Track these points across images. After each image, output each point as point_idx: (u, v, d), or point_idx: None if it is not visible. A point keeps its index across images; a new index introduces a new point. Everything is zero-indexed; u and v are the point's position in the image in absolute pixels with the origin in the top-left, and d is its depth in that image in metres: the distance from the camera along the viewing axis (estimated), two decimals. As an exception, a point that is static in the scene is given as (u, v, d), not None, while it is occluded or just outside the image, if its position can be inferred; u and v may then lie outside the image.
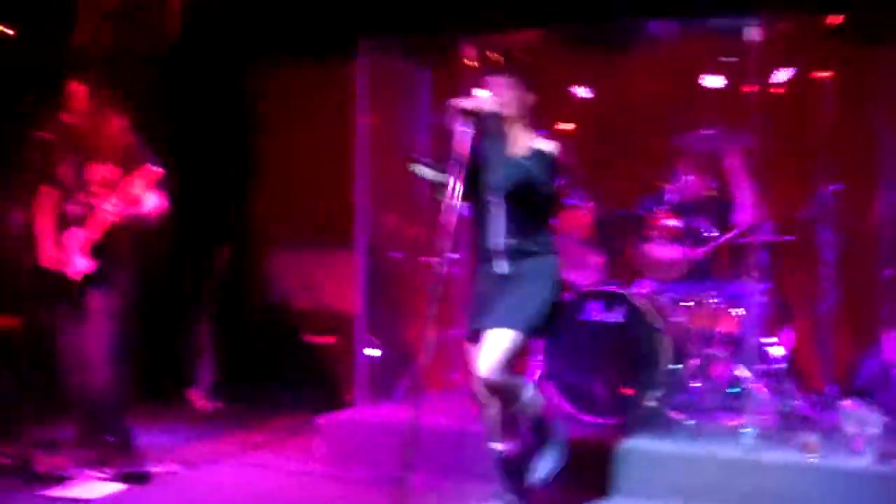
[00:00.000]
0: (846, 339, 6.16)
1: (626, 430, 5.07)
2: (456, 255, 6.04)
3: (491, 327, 4.04)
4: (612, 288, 5.46)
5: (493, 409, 4.25)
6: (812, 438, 4.61)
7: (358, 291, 5.98)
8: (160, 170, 4.84)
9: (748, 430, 4.86)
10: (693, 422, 5.09)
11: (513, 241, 4.14)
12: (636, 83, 7.06)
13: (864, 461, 4.51)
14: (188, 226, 6.07)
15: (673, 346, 5.27)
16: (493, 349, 3.99)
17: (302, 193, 7.40)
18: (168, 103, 6.81)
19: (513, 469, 4.29)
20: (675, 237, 5.60)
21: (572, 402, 5.31)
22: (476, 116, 4.10)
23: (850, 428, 4.66)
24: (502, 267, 4.13)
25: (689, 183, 5.95)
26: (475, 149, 4.11)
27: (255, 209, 7.61)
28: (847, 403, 4.91)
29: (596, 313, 5.39)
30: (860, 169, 5.98)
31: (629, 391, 5.20)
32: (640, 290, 5.69)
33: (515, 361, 4.07)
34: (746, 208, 5.66)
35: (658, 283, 5.78)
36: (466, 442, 5.01)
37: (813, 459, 4.57)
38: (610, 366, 5.28)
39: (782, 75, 6.39)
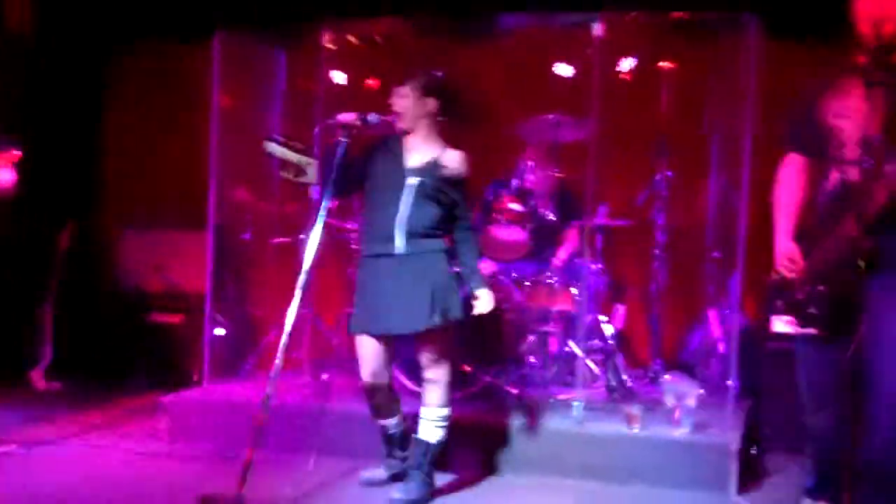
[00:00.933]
0: (674, 316, 6.50)
1: (464, 405, 5.24)
2: (303, 236, 6.19)
3: (410, 328, 4.25)
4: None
5: (381, 395, 4.46)
6: (635, 410, 4.87)
7: (207, 271, 6.00)
8: (16, 151, 4.80)
9: (578, 403, 5.09)
10: (526, 395, 5.28)
11: (409, 226, 4.27)
12: (488, 72, 7.26)
13: (680, 431, 4.79)
14: (34, 206, 6.00)
15: (510, 325, 5.47)
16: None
17: (157, 175, 7.38)
18: (25, 86, 6.71)
19: (397, 441, 4.58)
20: (518, 220, 5.77)
21: (413, 379, 5.45)
22: (355, 129, 4.26)
23: (670, 400, 4.93)
24: (395, 248, 4.27)
25: (533, 168, 6.16)
26: (355, 159, 4.32)
27: (108, 190, 7.54)
28: (668, 377, 5.19)
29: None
30: (692, 157, 6.27)
31: (468, 367, 5.37)
32: (483, 271, 5.87)
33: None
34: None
35: (500, 264, 5.98)
36: (312, 419, 5.14)
37: (635, 430, 4.83)
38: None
39: (625, 66, 6.67)
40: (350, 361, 5.58)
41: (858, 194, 3.24)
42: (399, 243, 4.26)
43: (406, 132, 4.42)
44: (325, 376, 5.71)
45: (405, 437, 4.57)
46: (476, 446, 4.95)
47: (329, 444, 5.03)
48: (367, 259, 4.41)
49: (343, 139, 4.25)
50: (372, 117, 4.33)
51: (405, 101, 4.37)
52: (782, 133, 3.79)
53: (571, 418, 5.04)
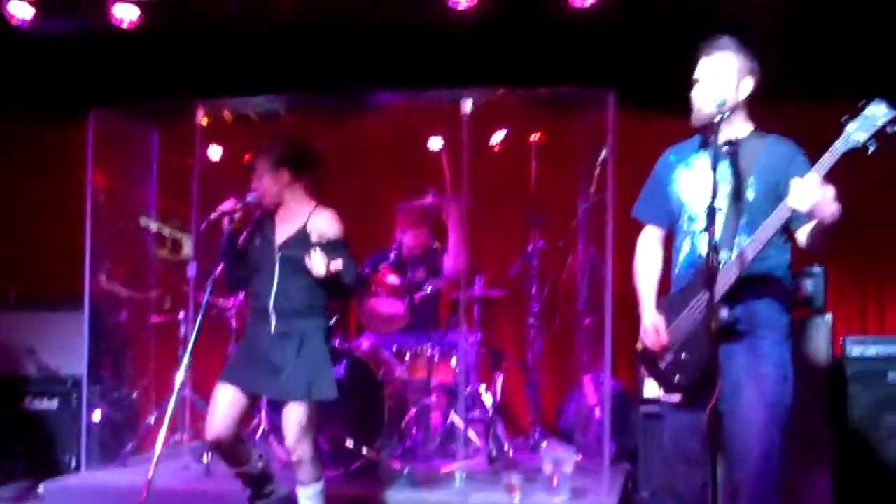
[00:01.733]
0: (552, 384, 6.68)
1: (348, 480, 5.27)
2: (183, 314, 6.17)
3: (279, 396, 4.30)
4: (335, 344, 5.67)
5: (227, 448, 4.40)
6: (514, 480, 4.97)
7: (83, 352, 5.91)
8: None
9: (460, 474, 5.17)
10: (409, 469, 5.34)
11: (283, 304, 4.30)
12: (364, 147, 7.42)
13: (559, 498, 4.92)
14: None
15: (392, 398, 5.54)
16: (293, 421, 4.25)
17: (31, 255, 7.24)
18: None
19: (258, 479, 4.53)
20: (396, 293, 5.87)
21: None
22: (238, 213, 4.31)
23: (548, 468, 5.06)
24: (271, 327, 4.30)
25: (409, 240, 6.31)
26: (238, 240, 4.36)
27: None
28: (546, 444, 5.33)
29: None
30: (562, 227, 6.48)
31: (351, 443, 5.40)
32: (362, 345, 5.95)
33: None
34: (456, 261, 6.04)
35: (379, 337, 6.07)
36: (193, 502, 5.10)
37: (516, 500, 4.93)
38: (332, 419, 5.43)
39: (495, 139, 6.91)
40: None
41: (710, 267, 3.30)
42: (273, 323, 4.30)
43: (275, 208, 4.46)
44: (206, 458, 5.65)
45: (265, 473, 4.53)
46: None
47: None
48: (250, 325, 4.44)
49: (228, 228, 4.30)
50: (251, 197, 4.38)
51: (260, 180, 4.42)
52: (637, 206, 3.95)
53: (454, 489, 5.12)
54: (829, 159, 3.21)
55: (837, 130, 3.22)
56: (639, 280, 3.85)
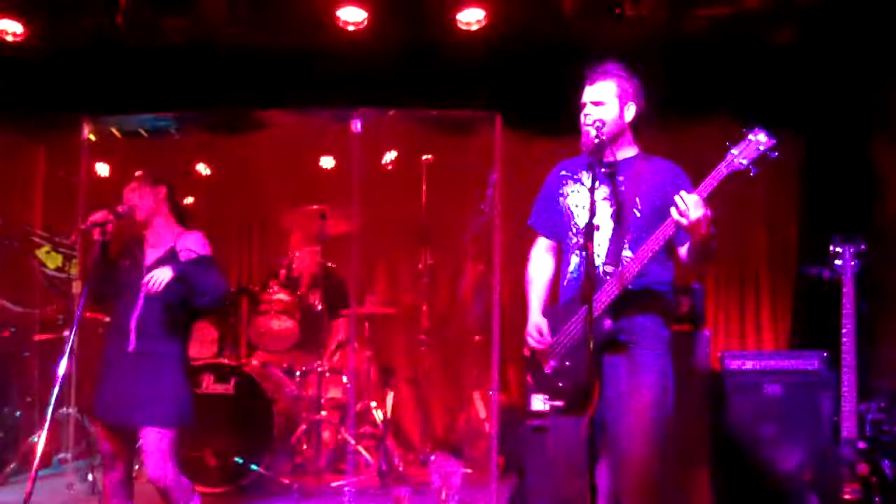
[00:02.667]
0: (442, 399, 6.77)
1: (237, 496, 5.25)
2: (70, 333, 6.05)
3: (141, 424, 4.15)
4: (225, 360, 5.66)
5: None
6: (402, 493, 5.02)
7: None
8: None
9: (349, 489, 5.21)
10: (299, 485, 5.34)
11: (146, 323, 4.22)
12: (257, 163, 7.41)
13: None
14: None
15: (282, 415, 5.54)
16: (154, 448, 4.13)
17: None
18: None
19: None
20: (286, 310, 5.88)
21: (186, 473, 5.39)
22: (110, 225, 4.17)
23: (437, 480, 5.13)
24: (130, 345, 4.21)
25: (300, 258, 6.33)
26: (108, 252, 4.24)
27: None
28: (435, 458, 5.41)
29: (209, 385, 5.54)
30: (453, 244, 6.61)
31: (240, 459, 5.38)
32: (253, 362, 5.95)
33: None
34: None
35: (270, 355, 6.07)
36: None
37: (404, 512, 4.99)
38: (221, 436, 5.42)
39: (387, 158, 7.01)
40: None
41: (589, 281, 3.45)
42: (133, 341, 4.22)
43: (145, 226, 4.41)
44: (90, 476, 5.55)
45: None
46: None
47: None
48: (108, 343, 4.35)
49: (100, 238, 4.18)
50: (122, 209, 4.30)
51: (134, 193, 4.38)
52: (532, 216, 4.05)
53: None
54: (712, 180, 3.42)
55: (716, 153, 3.44)
56: (529, 286, 3.96)
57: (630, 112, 3.76)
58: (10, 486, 5.78)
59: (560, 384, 3.75)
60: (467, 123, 6.39)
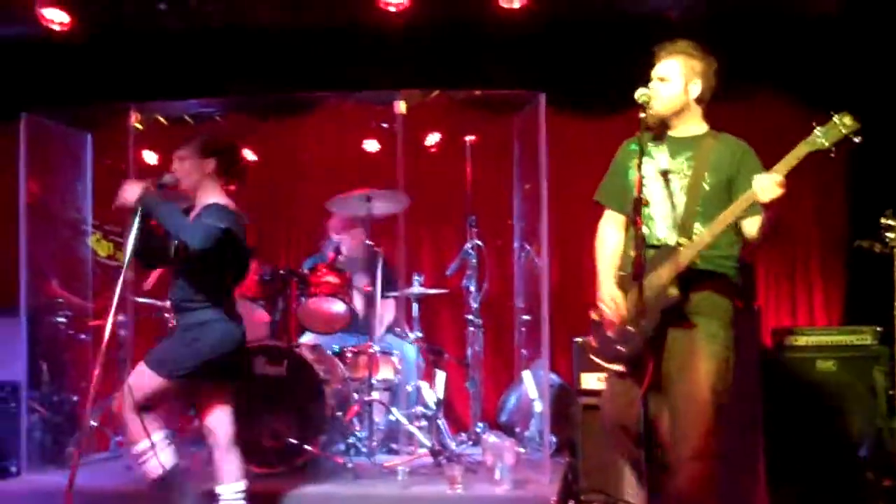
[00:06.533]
0: (493, 379, 6.79)
1: (293, 477, 5.31)
2: (123, 318, 6.14)
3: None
4: (277, 343, 5.71)
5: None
6: (457, 472, 5.05)
7: (22, 358, 5.85)
8: None
9: (403, 468, 5.24)
10: (353, 465, 5.39)
11: (177, 296, 4.28)
12: (301, 147, 7.47)
13: (501, 489, 5.01)
14: None
15: (335, 395, 5.59)
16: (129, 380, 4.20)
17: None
18: None
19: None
20: (336, 292, 5.92)
21: (242, 455, 5.47)
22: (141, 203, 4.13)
23: (489, 459, 5.15)
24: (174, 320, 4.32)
25: (347, 240, 6.38)
26: (146, 225, 4.18)
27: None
28: (488, 438, 5.42)
29: (261, 367, 5.60)
30: (499, 224, 6.62)
31: (295, 440, 5.43)
32: (304, 344, 6.00)
33: (146, 400, 4.19)
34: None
35: (321, 336, 6.12)
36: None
37: (458, 491, 5.01)
38: (276, 417, 5.47)
39: (430, 140, 7.02)
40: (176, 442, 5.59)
41: (637, 255, 3.55)
42: (175, 314, 4.33)
43: (191, 195, 4.36)
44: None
45: None
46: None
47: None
48: None
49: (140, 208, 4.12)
50: (167, 178, 4.28)
51: (184, 163, 4.31)
52: (599, 191, 4.13)
53: (397, 483, 5.18)
54: (793, 158, 3.51)
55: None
56: (598, 259, 4.05)
57: (695, 89, 3.86)
58: (68, 469, 5.88)
59: (622, 349, 3.80)
60: (511, 103, 6.38)
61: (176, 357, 4.21)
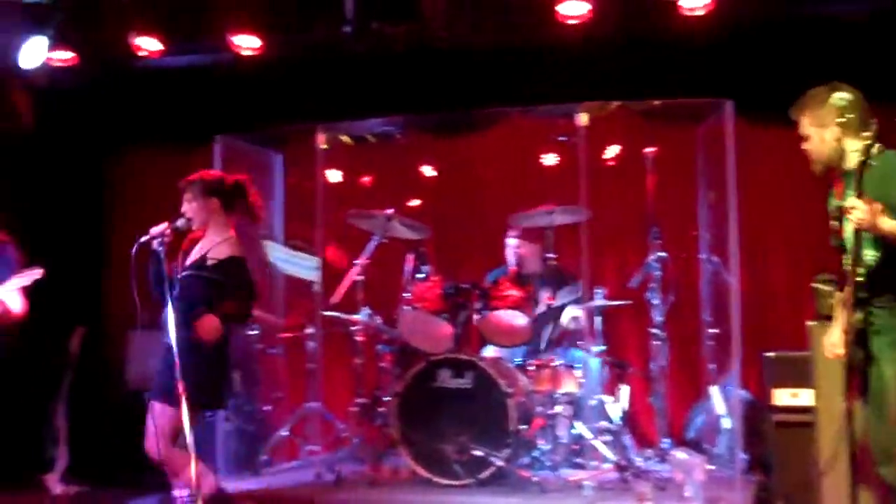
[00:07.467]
0: (678, 394, 6.63)
1: (477, 490, 5.33)
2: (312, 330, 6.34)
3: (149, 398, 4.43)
4: (461, 355, 5.74)
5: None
6: (646, 488, 4.96)
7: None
8: (37, 270, 4.93)
9: (588, 483, 5.18)
10: (538, 479, 5.36)
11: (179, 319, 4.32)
12: (480, 163, 7.52)
13: (691, 506, 4.89)
14: (43, 311, 6.11)
15: (519, 409, 5.58)
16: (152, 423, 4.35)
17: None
18: (25, 191, 6.87)
19: None
20: (518, 305, 5.92)
21: (426, 467, 5.54)
22: (167, 238, 4.41)
23: (678, 475, 5.03)
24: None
25: (527, 254, 6.37)
26: (161, 265, 4.41)
27: (113, 293, 7.59)
28: (677, 454, 5.30)
29: (446, 380, 5.65)
30: (682, 236, 6.48)
31: (479, 453, 5.45)
32: (487, 357, 6.02)
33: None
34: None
35: (503, 349, 6.12)
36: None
37: (647, 507, 4.92)
38: (461, 429, 5.52)
39: (610, 152, 6.94)
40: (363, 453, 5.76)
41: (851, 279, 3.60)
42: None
43: (204, 228, 4.61)
44: (337, 469, 5.78)
45: None
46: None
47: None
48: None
49: (158, 249, 4.39)
50: (180, 222, 4.52)
51: (192, 204, 4.58)
52: None
53: (583, 498, 5.13)
54: None
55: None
56: None
57: (831, 134, 3.78)
58: (261, 476, 6.12)
59: None
60: (694, 112, 6.25)
61: None
